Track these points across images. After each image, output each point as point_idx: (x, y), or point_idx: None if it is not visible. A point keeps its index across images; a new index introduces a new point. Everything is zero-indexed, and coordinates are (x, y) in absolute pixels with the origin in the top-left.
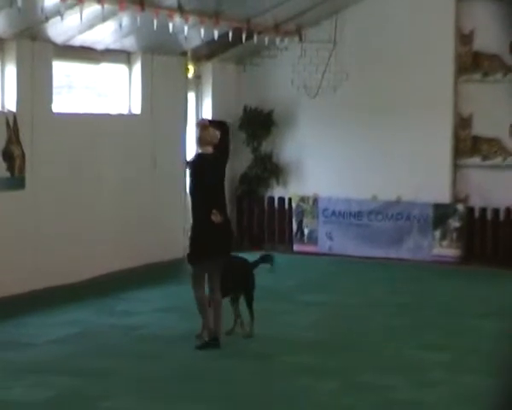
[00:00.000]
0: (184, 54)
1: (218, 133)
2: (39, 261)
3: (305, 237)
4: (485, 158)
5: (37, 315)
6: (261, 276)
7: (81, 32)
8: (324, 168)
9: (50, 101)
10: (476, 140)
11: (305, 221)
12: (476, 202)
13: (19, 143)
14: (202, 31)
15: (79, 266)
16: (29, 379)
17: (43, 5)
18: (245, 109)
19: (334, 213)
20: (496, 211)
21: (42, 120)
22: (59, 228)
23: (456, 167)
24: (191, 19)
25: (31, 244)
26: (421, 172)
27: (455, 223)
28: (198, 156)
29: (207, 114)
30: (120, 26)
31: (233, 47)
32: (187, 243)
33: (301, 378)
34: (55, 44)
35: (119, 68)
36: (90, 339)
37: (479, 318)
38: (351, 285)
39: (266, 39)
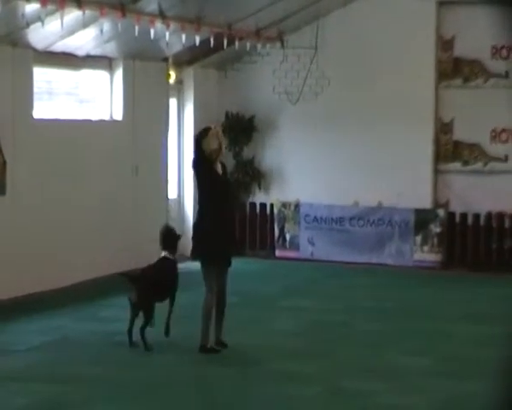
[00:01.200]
0: (166, 59)
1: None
2: (19, 268)
3: (287, 243)
4: (466, 163)
5: (18, 322)
6: (243, 281)
7: (62, 37)
8: (306, 174)
9: (31, 107)
10: (457, 145)
11: (287, 227)
12: (457, 208)
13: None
14: (184, 36)
15: (61, 273)
16: (7, 386)
17: (23, 11)
18: (227, 115)
19: (315, 218)
20: (476, 216)
21: (22, 127)
22: (40, 235)
23: (437, 173)
24: (172, 25)
25: (10, 251)
26: (402, 178)
27: (436, 228)
28: None
29: (189, 119)
30: (101, 31)
31: (214, 53)
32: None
33: (283, 385)
34: (35, 50)
35: (101, 74)
36: (71, 346)
37: (459, 323)
38: (332, 291)
39: (248, 45)
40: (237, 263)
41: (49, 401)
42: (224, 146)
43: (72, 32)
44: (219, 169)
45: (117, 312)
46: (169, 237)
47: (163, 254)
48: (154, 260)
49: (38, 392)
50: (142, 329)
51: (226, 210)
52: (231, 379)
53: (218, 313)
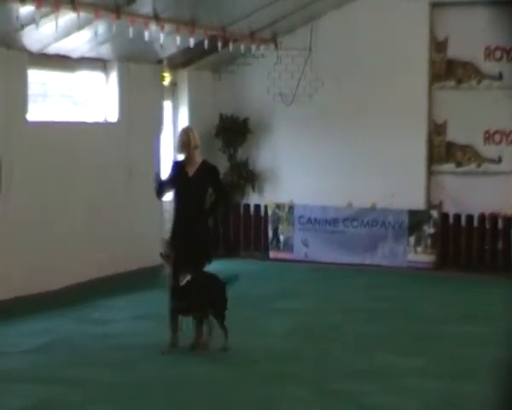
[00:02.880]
0: (160, 62)
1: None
2: (13, 269)
3: (281, 244)
4: (459, 164)
5: (11, 324)
6: (237, 283)
7: (56, 40)
8: (300, 175)
9: (25, 109)
10: (450, 147)
11: (281, 228)
12: (450, 209)
13: None
14: (178, 39)
15: (54, 274)
16: (2, 388)
17: (18, 13)
18: (221, 117)
19: (309, 220)
20: (470, 217)
21: (16, 129)
22: (33, 236)
23: (430, 174)
24: (167, 27)
25: (4, 252)
26: (395, 179)
27: (429, 229)
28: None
29: (183, 121)
30: (96, 34)
31: (209, 55)
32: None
33: (274, 386)
34: (30, 52)
35: (95, 76)
36: (65, 348)
37: (452, 323)
38: (326, 292)
39: (242, 47)
40: (231, 264)
41: (44, 403)
42: (194, 146)
43: (66, 34)
44: (191, 170)
45: (112, 313)
46: None
47: None
48: (148, 262)
49: (33, 394)
50: None
51: (189, 211)
52: (224, 380)
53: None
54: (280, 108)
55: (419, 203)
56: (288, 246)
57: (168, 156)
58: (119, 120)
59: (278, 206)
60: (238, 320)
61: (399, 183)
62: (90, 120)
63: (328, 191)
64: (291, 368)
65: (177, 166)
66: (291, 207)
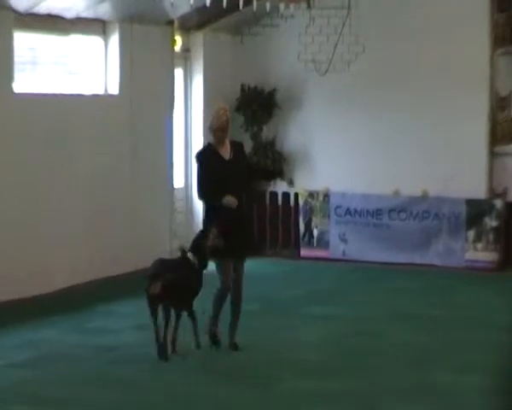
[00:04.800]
0: (171, 23)
1: None
2: None
3: (315, 240)
4: None
5: None
6: (263, 286)
7: None
8: (337, 158)
9: (11, 79)
10: None
11: (315, 221)
12: None
13: None
14: None
15: (44, 275)
16: None
17: None
18: (242, 89)
19: (348, 211)
20: None
21: (1, 102)
22: (19, 228)
23: (492, 156)
24: None
25: None
26: (451, 163)
27: (492, 222)
28: None
29: (198, 94)
30: None
31: (228, 14)
32: (174, 245)
33: (308, 406)
34: (16, 12)
35: (93, 41)
36: (56, 362)
37: None
38: (367, 296)
39: (268, 5)
40: (256, 264)
41: None
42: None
43: None
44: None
45: (111, 321)
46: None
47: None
48: (156, 258)
49: None
50: None
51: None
52: (248, 400)
53: (231, 312)
54: (313, 77)
55: (479, 191)
56: (323, 242)
57: (179, 135)
58: (121, 92)
59: (311, 194)
60: (265, 329)
61: (456, 167)
62: (86, 92)
63: (370, 177)
64: (326, 386)
65: (208, 153)
66: (326, 196)
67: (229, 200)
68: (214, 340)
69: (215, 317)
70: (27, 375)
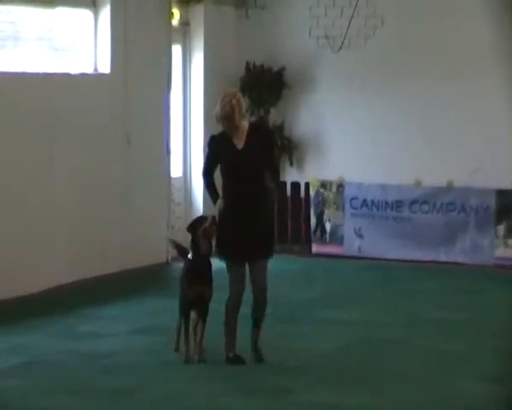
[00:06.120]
0: None
1: None
2: None
3: (327, 235)
4: None
5: None
6: (271, 286)
7: None
8: (352, 144)
9: None
10: None
11: (327, 214)
12: None
13: None
14: None
15: (29, 274)
16: None
17: None
18: (247, 67)
19: (365, 203)
20: None
21: None
22: (1, 223)
23: None
24: None
25: None
26: (479, 150)
27: None
28: None
29: (198, 73)
30: None
31: None
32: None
33: None
34: None
35: (82, 14)
36: (42, 371)
37: None
38: (386, 298)
39: None
40: None
41: None
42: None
43: None
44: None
45: (103, 325)
46: None
47: None
48: (151, 258)
49: None
50: None
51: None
52: None
53: (252, 318)
54: (326, 55)
55: (510, 181)
56: (337, 237)
57: (177, 119)
58: (112, 70)
59: (324, 184)
60: (275, 335)
61: (484, 154)
62: (75, 70)
63: (389, 165)
64: (342, 398)
65: (219, 140)
66: (340, 186)
67: (219, 204)
68: (234, 361)
69: (229, 335)
70: (10, 385)
